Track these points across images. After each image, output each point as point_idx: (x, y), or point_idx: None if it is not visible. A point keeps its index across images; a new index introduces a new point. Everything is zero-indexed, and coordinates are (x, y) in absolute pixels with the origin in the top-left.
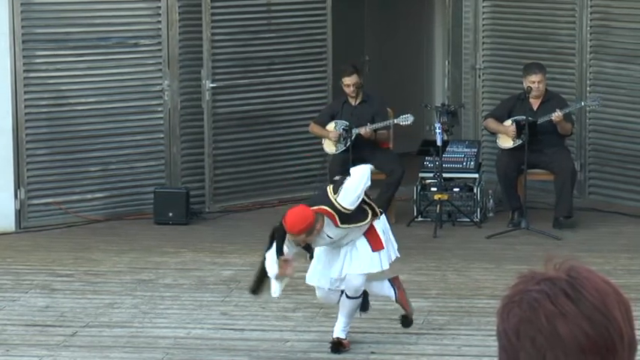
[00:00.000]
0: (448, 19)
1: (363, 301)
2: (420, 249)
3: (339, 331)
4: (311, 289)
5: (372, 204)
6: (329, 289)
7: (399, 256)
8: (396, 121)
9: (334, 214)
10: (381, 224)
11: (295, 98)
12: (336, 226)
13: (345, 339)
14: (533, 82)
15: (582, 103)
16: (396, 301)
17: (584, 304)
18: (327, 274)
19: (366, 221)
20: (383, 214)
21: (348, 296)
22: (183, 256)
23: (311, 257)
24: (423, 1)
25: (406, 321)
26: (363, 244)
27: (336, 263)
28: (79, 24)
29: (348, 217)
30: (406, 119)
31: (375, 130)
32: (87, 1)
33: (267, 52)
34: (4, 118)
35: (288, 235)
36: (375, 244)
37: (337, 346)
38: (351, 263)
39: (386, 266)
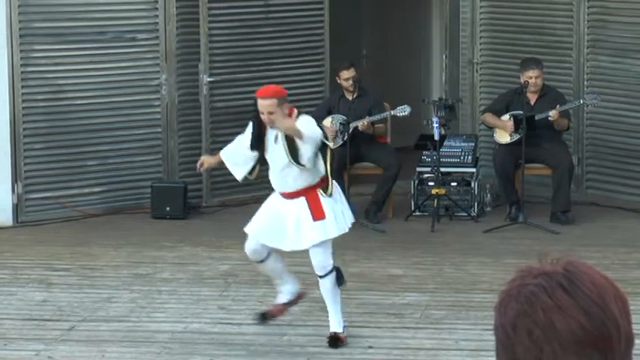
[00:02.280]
0: (446, 13)
1: (338, 276)
2: (418, 243)
3: (335, 325)
4: (309, 284)
5: (329, 179)
6: (262, 244)
7: (350, 225)
8: (393, 112)
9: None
10: (330, 202)
11: (293, 92)
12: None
13: (343, 333)
14: (531, 77)
15: (581, 101)
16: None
17: (581, 297)
18: (267, 232)
19: (310, 179)
20: (335, 190)
21: (320, 276)
22: (181, 250)
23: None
24: None
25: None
26: (306, 216)
27: (279, 230)
28: (76, 18)
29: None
30: (403, 110)
31: (373, 123)
32: None
33: (264, 47)
34: (2, 112)
35: (259, 103)
36: (317, 213)
37: (334, 340)
38: (299, 240)
39: (332, 234)
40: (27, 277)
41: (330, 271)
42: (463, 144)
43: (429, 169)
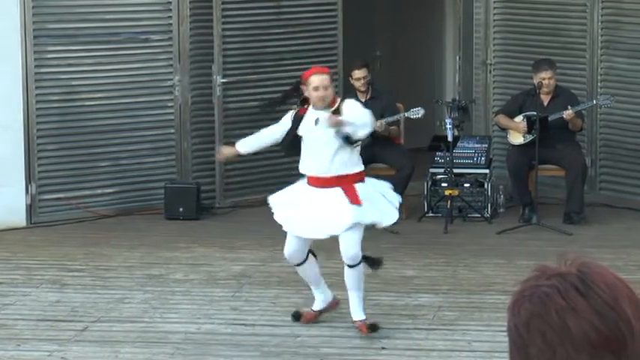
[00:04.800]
0: (459, 14)
1: (369, 260)
2: (431, 244)
3: (358, 313)
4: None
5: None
6: (301, 247)
7: (394, 219)
8: (406, 114)
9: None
10: (364, 188)
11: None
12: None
13: (366, 320)
14: (544, 78)
15: (594, 102)
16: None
17: (594, 299)
18: (307, 224)
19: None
20: (366, 183)
21: (349, 266)
22: (194, 251)
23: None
24: None
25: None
26: (341, 199)
27: (314, 219)
28: (90, 19)
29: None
30: (417, 112)
31: (388, 125)
32: None
33: (277, 48)
34: (16, 114)
35: (314, 79)
36: (353, 199)
37: (373, 327)
38: (334, 225)
39: (367, 220)
40: (40, 278)
41: (360, 262)
42: (476, 145)
43: (442, 170)
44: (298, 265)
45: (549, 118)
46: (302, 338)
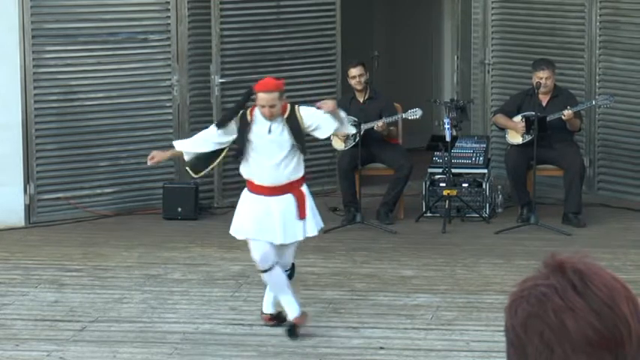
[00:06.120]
0: (457, 14)
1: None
2: (429, 244)
3: (294, 311)
4: (321, 285)
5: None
6: (272, 249)
7: (322, 226)
8: (404, 115)
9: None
10: (311, 201)
11: (304, 94)
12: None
13: (300, 316)
14: (541, 77)
15: (593, 102)
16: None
17: (592, 298)
18: (266, 229)
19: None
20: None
21: (284, 270)
22: (192, 251)
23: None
24: None
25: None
26: (292, 212)
27: (271, 225)
28: (88, 19)
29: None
30: (415, 113)
31: (388, 125)
32: None
33: (276, 48)
34: (14, 114)
35: (261, 96)
36: (302, 213)
37: (295, 328)
38: (285, 232)
39: (310, 233)
40: (39, 278)
41: (291, 268)
42: (475, 145)
43: (440, 170)
44: (269, 269)
45: (548, 118)
46: (300, 338)
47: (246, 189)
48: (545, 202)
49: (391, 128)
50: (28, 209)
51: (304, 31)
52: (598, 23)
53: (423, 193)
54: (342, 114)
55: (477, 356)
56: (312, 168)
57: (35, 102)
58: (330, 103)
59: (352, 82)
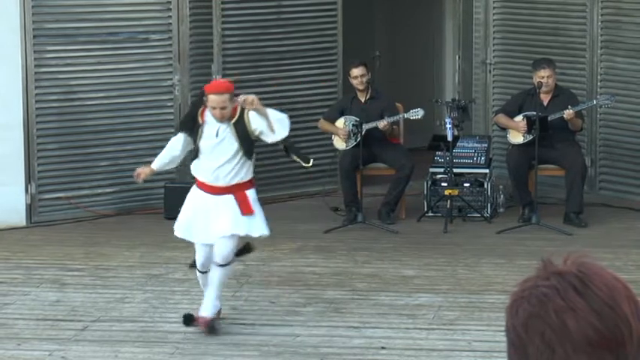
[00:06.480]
0: (459, 13)
1: (241, 252)
2: (431, 244)
3: (208, 309)
4: (322, 285)
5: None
6: (208, 255)
7: (266, 233)
8: (406, 115)
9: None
10: (254, 195)
11: (305, 93)
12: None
13: (213, 317)
14: (542, 77)
15: (594, 102)
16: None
17: (593, 299)
18: (196, 230)
19: (244, 162)
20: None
21: (220, 265)
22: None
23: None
24: None
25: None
26: (232, 207)
27: (205, 225)
28: (89, 19)
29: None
30: (416, 113)
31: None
32: None
33: (277, 47)
34: (15, 113)
35: (212, 98)
36: (246, 209)
37: (212, 329)
38: (222, 227)
39: (254, 233)
40: (40, 278)
41: (229, 263)
42: (476, 145)
43: (442, 169)
44: (205, 272)
45: (549, 118)
46: (302, 338)
47: (195, 184)
48: (546, 202)
49: (393, 127)
50: (30, 209)
51: (305, 30)
52: (600, 23)
53: (425, 192)
54: (270, 111)
55: (478, 356)
56: (314, 168)
57: (37, 102)
58: (249, 98)
59: (354, 82)
